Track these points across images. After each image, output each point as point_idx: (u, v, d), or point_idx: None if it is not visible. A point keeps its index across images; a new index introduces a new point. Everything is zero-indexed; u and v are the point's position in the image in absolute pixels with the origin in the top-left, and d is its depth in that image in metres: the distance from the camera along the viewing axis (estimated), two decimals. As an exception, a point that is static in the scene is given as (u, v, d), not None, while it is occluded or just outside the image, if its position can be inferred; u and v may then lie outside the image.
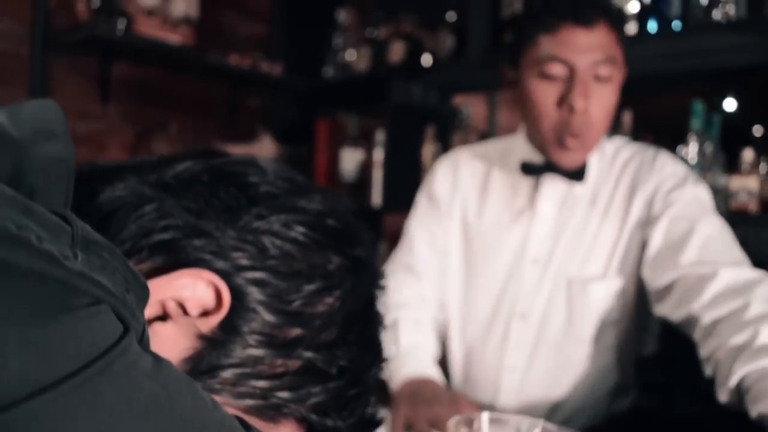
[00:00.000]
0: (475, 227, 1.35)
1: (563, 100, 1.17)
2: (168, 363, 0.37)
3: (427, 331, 1.31)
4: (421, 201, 1.46)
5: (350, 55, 2.63)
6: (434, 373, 1.18)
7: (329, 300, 0.51)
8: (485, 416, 0.57)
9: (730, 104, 2.01)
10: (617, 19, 1.21)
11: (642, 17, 1.83)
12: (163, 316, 0.46)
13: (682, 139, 1.79)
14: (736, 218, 1.69)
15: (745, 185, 1.67)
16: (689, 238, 1.11)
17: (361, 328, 0.53)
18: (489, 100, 2.87)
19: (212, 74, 2.64)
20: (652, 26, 1.80)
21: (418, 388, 1.10)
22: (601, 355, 1.26)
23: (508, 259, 1.30)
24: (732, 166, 1.73)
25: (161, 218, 0.47)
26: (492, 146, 1.44)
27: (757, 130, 1.83)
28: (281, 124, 2.81)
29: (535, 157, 1.29)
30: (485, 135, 2.44)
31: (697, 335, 1.02)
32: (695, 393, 1.68)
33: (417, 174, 2.38)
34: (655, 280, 1.14)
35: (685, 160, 1.76)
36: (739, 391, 0.90)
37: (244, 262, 0.48)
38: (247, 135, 2.76)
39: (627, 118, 1.96)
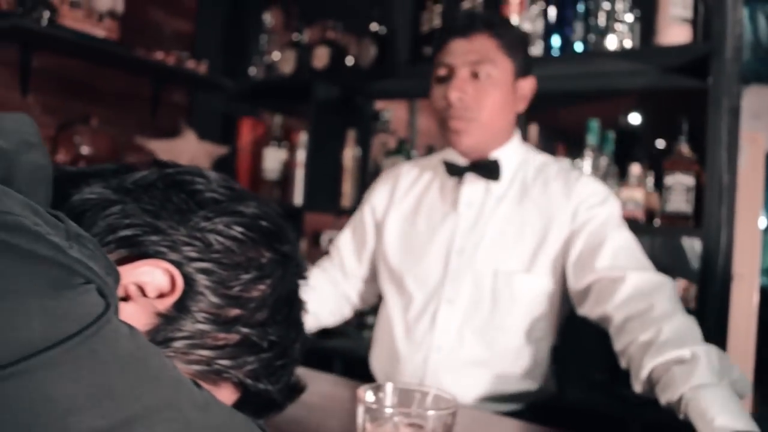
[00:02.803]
0: (411, 227, 1.51)
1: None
2: (138, 330, 0.47)
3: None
4: (357, 214, 1.65)
5: (276, 57, 2.70)
6: None
7: (262, 287, 0.62)
8: (389, 386, 0.68)
9: (634, 118, 2.21)
10: (502, 30, 1.42)
11: (547, 39, 2.00)
12: (125, 298, 0.56)
13: (582, 152, 1.97)
14: (623, 226, 1.88)
15: (632, 196, 1.86)
16: (603, 247, 1.29)
17: (287, 310, 0.64)
18: (410, 105, 3.01)
19: (136, 69, 2.65)
20: (555, 49, 1.97)
21: None
22: (527, 346, 1.39)
23: (439, 253, 1.44)
24: (623, 178, 1.92)
25: (125, 218, 0.57)
26: (432, 157, 1.63)
27: (649, 147, 2.03)
28: (205, 121, 2.85)
29: (459, 160, 1.47)
30: (405, 140, 2.57)
31: (611, 331, 1.20)
32: (584, 382, 1.86)
33: (337, 175, 2.49)
34: (576, 283, 1.32)
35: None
36: (650, 382, 1.05)
37: (193, 254, 0.58)
38: (170, 131, 2.78)
39: (533, 130, 2.13)
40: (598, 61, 1.93)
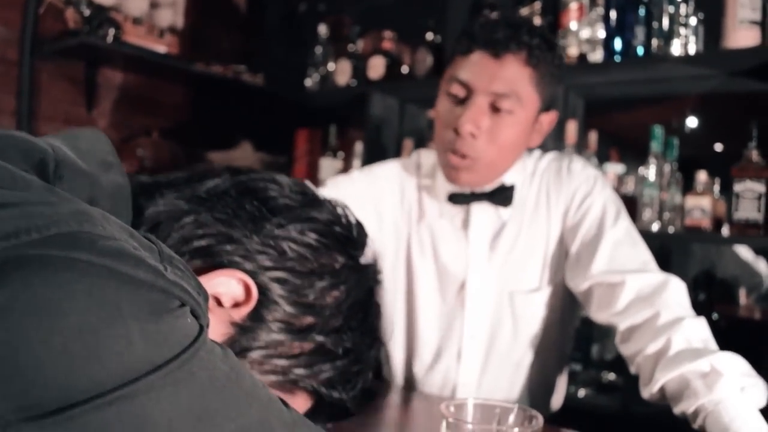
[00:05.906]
0: (415, 254, 1.36)
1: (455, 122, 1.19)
2: (229, 350, 0.47)
3: None
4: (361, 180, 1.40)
5: (330, 68, 2.72)
6: None
7: (336, 293, 0.61)
8: (471, 401, 0.67)
9: (691, 122, 2.15)
10: (542, 57, 1.19)
11: (607, 44, 1.96)
12: None
13: (644, 157, 1.92)
14: (690, 234, 1.83)
15: (698, 204, 1.80)
16: (598, 246, 1.19)
17: (362, 317, 0.63)
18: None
19: (195, 83, 2.71)
20: (616, 55, 1.93)
21: None
22: (545, 352, 1.33)
23: (452, 287, 1.32)
24: (687, 186, 1.87)
25: (198, 228, 0.58)
26: (409, 164, 1.41)
27: (712, 153, 1.97)
28: (261, 133, 2.88)
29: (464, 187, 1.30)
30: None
31: (617, 339, 1.13)
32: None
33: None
34: (575, 287, 1.23)
35: (646, 179, 1.89)
36: (661, 393, 1.01)
37: (268, 263, 0.58)
38: (227, 142, 2.82)
39: (593, 137, 2.09)
40: (661, 66, 1.88)
